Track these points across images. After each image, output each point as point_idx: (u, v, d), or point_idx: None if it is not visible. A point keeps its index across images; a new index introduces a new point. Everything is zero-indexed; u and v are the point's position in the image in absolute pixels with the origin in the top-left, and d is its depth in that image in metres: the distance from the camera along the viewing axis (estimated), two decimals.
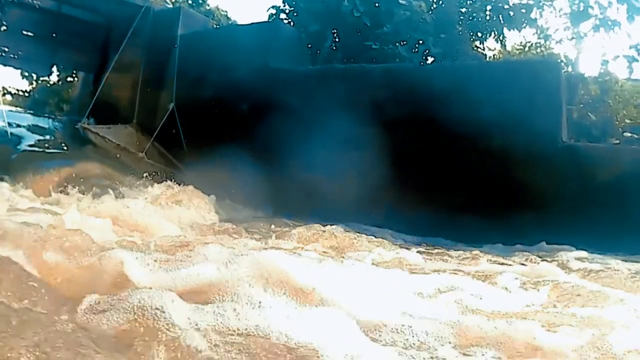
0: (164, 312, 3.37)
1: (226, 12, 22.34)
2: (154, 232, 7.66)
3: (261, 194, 12.20)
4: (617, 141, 12.72)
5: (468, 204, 11.09)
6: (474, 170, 11.25)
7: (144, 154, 14.11)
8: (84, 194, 10.63)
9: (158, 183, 12.17)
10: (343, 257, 6.63)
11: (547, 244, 9.86)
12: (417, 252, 8.15)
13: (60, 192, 10.72)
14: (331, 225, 9.15)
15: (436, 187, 11.53)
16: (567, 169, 10.58)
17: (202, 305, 3.70)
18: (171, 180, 12.20)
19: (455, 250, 8.96)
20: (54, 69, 22.69)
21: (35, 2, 15.57)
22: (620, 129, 13.35)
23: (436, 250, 8.93)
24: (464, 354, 3.51)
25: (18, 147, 15.18)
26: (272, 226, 9.95)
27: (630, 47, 14.94)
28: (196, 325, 3.43)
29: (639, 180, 9.98)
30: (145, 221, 8.20)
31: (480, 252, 8.78)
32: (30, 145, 15.77)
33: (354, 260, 6.21)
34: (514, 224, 10.38)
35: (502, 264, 7.55)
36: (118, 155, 14.02)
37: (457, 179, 11.41)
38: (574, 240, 9.52)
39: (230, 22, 21.40)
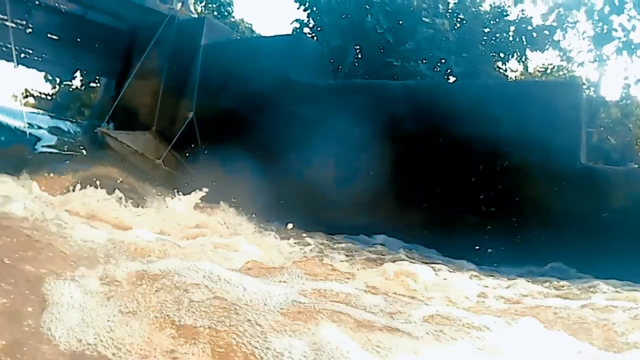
0: None
1: (251, 24, 22.43)
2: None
3: (279, 205, 12.14)
4: (637, 166, 12.62)
5: (484, 222, 11.03)
6: (491, 188, 11.19)
7: (161, 161, 14.12)
8: (100, 196, 10.66)
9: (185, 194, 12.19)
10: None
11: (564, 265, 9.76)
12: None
13: (74, 193, 10.77)
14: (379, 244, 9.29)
15: (452, 204, 11.48)
16: (584, 191, 10.49)
17: None
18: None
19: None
20: (77, 73, 22.86)
21: (61, 6, 15.72)
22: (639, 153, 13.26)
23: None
24: None
25: (36, 147, 15.32)
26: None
27: None
28: None
29: None
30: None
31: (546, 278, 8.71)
32: (49, 147, 15.92)
33: None
34: (530, 244, 10.26)
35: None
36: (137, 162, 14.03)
37: (473, 196, 11.35)
38: (586, 265, 9.48)
39: (254, 35, 21.49)
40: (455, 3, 16.02)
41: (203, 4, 21.79)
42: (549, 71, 16.62)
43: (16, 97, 25.94)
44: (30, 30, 16.34)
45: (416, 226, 11.29)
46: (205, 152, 14.29)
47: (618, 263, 9.17)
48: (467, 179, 11.49)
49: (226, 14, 21.89)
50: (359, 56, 15.55)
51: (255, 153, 12.85)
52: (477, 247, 10.16)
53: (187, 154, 14.64)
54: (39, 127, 18.46)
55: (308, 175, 12.27)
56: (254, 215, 11.64)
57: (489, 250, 10.25)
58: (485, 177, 11.30)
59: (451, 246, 10.63)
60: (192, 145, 14.47)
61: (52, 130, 19.27)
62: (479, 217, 11.16)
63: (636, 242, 9.69)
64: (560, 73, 16.48)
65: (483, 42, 15.40)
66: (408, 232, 11.27)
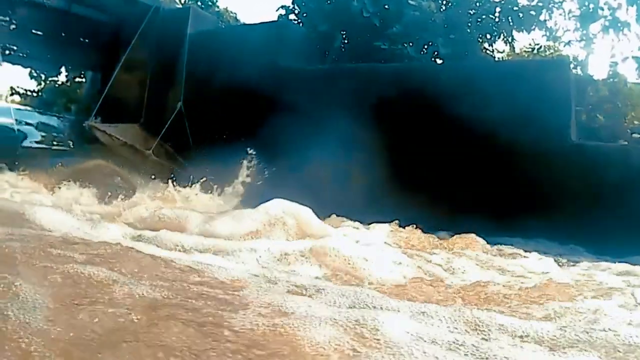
0: None
1: (235, 14, 22.32)
2: None
3: (267, 192, 12.08)
4: (626, 143, 12.63)
5: (475, 202, 11.03)
6: (483, 168, 11.21)
7: (150, 152, 14.09)
8: (96, 190, 10.68)
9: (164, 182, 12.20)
10: None
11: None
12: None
13: (66, 187, 10.77)
14: None
15: (443, 185, 11.49)
16: (576, 168, 10.52)
17: None
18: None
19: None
20: (63, 68, 22.73)
21: (45, 1, 15.57)
22: (628, 130, 13.25)
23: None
24: None
25: (25, 143, 15.26)
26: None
27: None
28: None
29: None
30: None
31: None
32: (37, 142, 15.85)
33: None
34: (522, 223, 10.24)
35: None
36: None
37: (465, 177, 11.37)
38: (580, 241, 9.51)
39: (239, 23, 21.38)
40: None
41: None
42: (535, 51, 16.59)
43: (1, 95, 25.69)
44: (14, 26, 16.22)
45: (411, 208, 11.22)
46: (195, 141, 14.29)
47: (611, 240, 9.23)
48: (459, 159, 11.51)
49: (210, 3, 21.77)
50: (346, 41, 15.49)
51: (244, 140, 12.83)
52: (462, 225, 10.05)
53: (177, 144, 14.60)
54: (27, 124, 18.35)
55: (299, 162, 12.19)
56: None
57: (476, 227, 10.23)
58: (477, 157, 11.33)
59: (449, 225, 10.61)
60: (182, 135, 14.43)
61: (40, 126, 19.15)
62: (472, 197, 11.18)
63: (628, 219, 9.74)
64: (547, 53, 16.46)
65: (469, 24, 15.36)
66: (402, 214, 11.23)
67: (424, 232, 9.27)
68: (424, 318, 3.51)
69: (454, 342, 3.09)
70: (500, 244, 8.95)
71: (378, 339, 2.97)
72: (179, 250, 5.26)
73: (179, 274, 4.10)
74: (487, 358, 2.97)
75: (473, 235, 8.84)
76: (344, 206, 11.08)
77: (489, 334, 3.33)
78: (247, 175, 12.60)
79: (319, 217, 8.27)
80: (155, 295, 3.33)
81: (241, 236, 5.77)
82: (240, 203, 11.83)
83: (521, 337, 3.36)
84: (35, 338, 2.49)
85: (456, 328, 3.36)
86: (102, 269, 3.65)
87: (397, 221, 9.81)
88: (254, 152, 12.80)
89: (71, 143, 16.39)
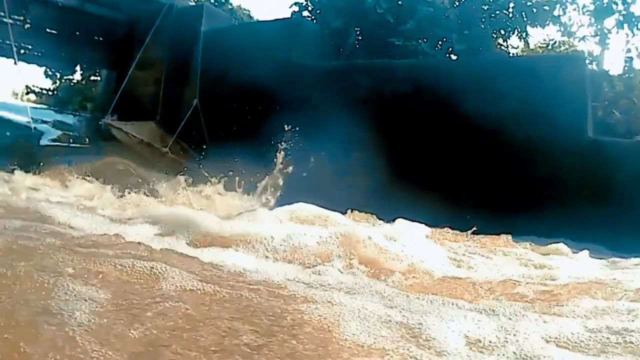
0: None
1: (249, 11, 22.38)
2: None
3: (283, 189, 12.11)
4: None
5: (490, 200, 11.01)
6: (497, 166, 11.20)
7: (167, 149, 14.16)
8: (114, 188, 10.72)
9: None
10: None
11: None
12: None
13: (83, 185, 10.85)
14: None
15: (458, 182, 11.48)
16: (592, 164, 10.49)
17: None
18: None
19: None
20: (78, 67, 22.79)
21: (58, 0, 15.66)
22: None
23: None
24: None
25: (42, 141, 15.38)
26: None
27: None
28: None
29: None
30: None
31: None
32: (54, 140, 15.99)
33: None
34: (537, 220, 10.21)
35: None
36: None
37: (479, 175, 11.35)
38: (597, 238, 9.46)
39: (252, 20, 21.43)
40: None
41: None
42: (550, 47, 16.58)
43: (17, 94, 25.86)
44: (28, 25, 16.26)
45: (427, 205, 11.21)
46: (211, 138, 14.33)
47: (627, 236, 9.19)
48: (473, 156, 11.50)
49: (223, 1, 21.81)
50: (360, 37, 15.50)
51: (260, 137, 12.85)
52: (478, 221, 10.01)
53: (193, 141, 14.66)
54: (43, 122, 18.53)
55: (312, 157, 12.20)
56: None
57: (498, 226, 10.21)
58: (492, 153, 11.31)
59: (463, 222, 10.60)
60: (197, 132, 14.50)
61: (56, 124, 19.37)
62: (486, 195, 11.17)
63: None
64: (562, 48, 16.44)
65: (483, 20, 15.33)
66: (418, 211, 11.22)
67: (451, 229, 9.33)
68: (457, 315, 3.56)
69: (493, 341, 3.14)
70: (518, 242, 8.99)
71: (423, 338, 3.03)
72: (209, 249, 5.32)
73: (219, 273, 4.19)
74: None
75: (505, 235, 8.89)
76: (359, 203, 11.10)
77: (522, 335, 3.37)
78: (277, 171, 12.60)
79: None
80: (202, 292, 3.39)
81: (271, 235, 5.79)
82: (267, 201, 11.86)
83: (554, 338, 3.40)
84: (91, 337, 2.55)
85: (492, 327, 3.40)
86: (141, 267, 3.72)
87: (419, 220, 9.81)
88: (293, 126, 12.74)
89: (87, 141, 16.52)
